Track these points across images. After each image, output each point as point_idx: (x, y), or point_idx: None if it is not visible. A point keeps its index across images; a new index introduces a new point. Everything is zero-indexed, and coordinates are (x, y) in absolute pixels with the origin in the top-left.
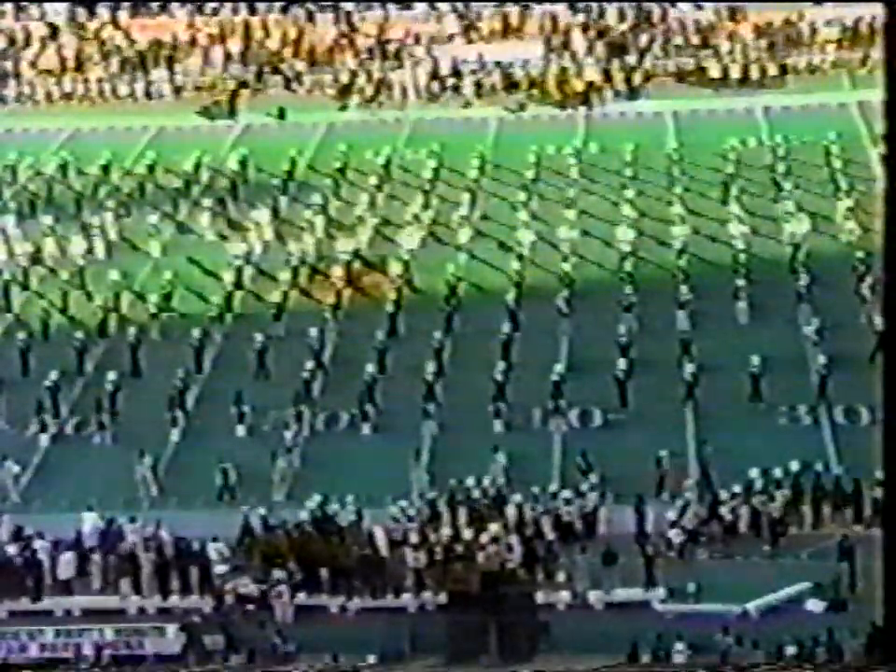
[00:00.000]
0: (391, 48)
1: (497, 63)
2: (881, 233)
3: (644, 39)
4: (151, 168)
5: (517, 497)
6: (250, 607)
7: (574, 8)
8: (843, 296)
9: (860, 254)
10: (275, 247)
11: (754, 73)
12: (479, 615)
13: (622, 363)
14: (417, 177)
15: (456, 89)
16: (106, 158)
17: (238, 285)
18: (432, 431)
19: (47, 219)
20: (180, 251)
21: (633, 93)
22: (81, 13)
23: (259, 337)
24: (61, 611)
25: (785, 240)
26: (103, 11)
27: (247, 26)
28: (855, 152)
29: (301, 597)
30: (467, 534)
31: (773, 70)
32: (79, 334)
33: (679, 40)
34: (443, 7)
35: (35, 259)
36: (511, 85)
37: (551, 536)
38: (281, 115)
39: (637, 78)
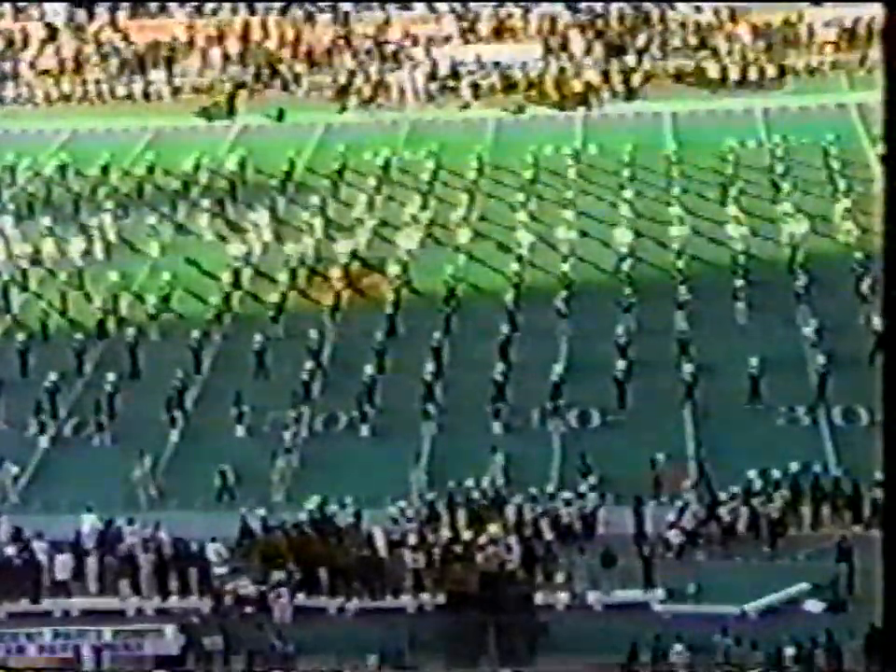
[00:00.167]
0: (389, 49)
1: (496, 65)
2: (880, 234)
3: (642, 40)
4: (150, 169)
5: (516, 498)
6: (249, 608)
7: (573, 9)
8: (841, 297)
9: (858, 254)
10: (274, 248)
11: (753, 74)
12: (478, 616)
13: (620, 364)
14: (416, 178)
15: (455, 90)
16: (105, 159)
17: (237, 285)
18: (431, 432)
19: (45, 220)
20: (179, 252)
21: (631, 94)
22: (80, 14)
23: (257, 338)
24: (59, 612)
25: (783, 241)
26: (101, 12)
27: (246, 27)
28: (853, 153)
29: (300, 598)
30: (466, 535)
31: (771, 71)
32: (78, 335)
33: (677, 41)
34: (442, 7)
35: (34, 260)
36: (509, 86)
37: (550, 537)
38: (280, 116)
39: (635, 79)
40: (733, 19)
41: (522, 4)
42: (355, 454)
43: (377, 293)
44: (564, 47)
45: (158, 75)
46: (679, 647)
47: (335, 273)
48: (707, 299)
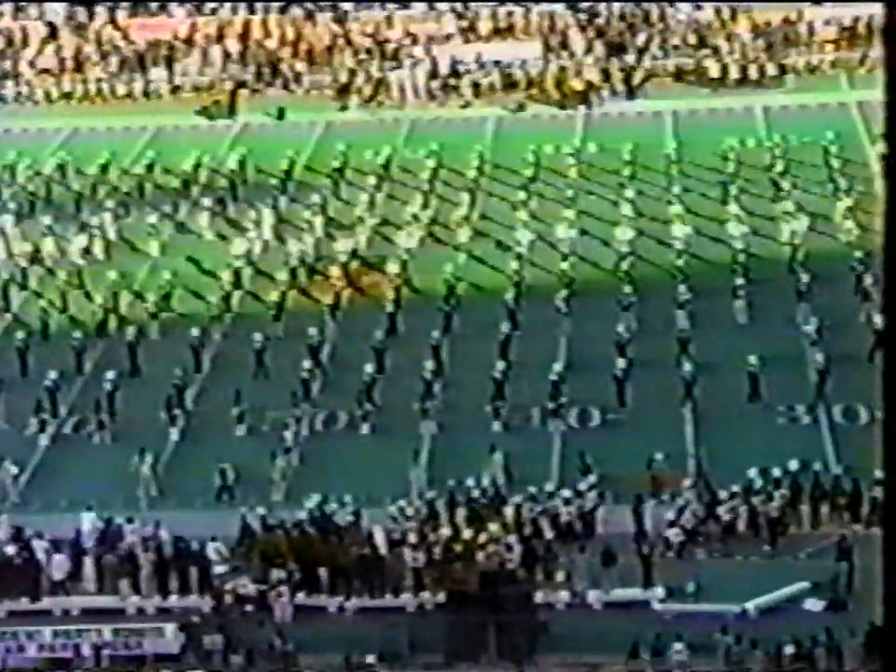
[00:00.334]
0: (390, 47)
1: (496, 63)
2: (881, 232)
3: (642, 39)
4: (150, 168)
5: (516, 497)
6: (249, 607)
7: (573, 8)
8: (842, 295)
9: (858, 253)
10: (274, 247)
11: (753, 72)
12: (478, 615)
13: (620, 363)
14: (416, 177)
15: (455, 88)
16: (105, 158)
17: (237, 284)
18: (431, 431)
19: (46, 219)
20: (179, 251)
21: (632, 93)
22: (80, 13)
23: (257, 337)
24: (59, 611)
25: (784, 239)
26: (101, 11)
27: (246, 26)
28: (853, 152)
29: (300, 597)
30: (466, 533)
31: (772, 70)
32: (78, 334)
33: (677, 40)
34: (442, 6)
35: (34, 258)
36: (509, 85)
37: (550, 535)
38: (280, 115)
39: (635, 78)
40: (733, 17)
41: (523, 3)
42: (354, 452)
43: (377, 292)
44: (564, 45)
45: (158, 73)
46: (678, 645)
47: (335, 271)
48: (707, 297)
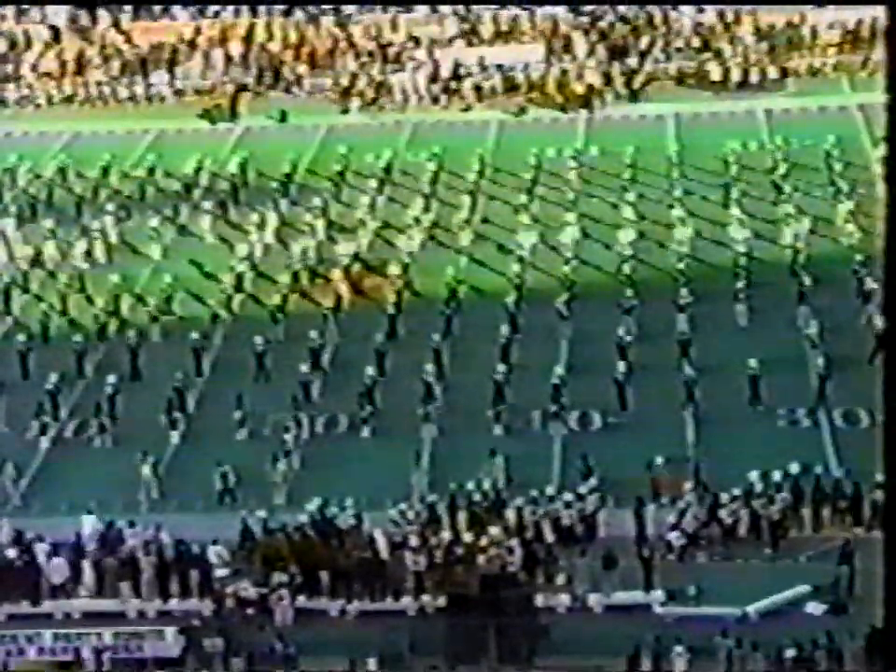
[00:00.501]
0: (392, 51)
1: (498, 67)
2: (882, 235)
3: (644, 42)
4: (152, 171)
5: (517, 501)
6: (250, 610)
7: (575, 11)
8: (842, 298)
9: (859, 257)
10: (276, 250)
11: (755, 76)
12: (479, 618)
13: (621, 366)
14: (418, 180)
15: (457, 92)
16: (107, 161)
17: (238, 288)
18: (432, 434)
19: (47, 223)
20: (180, 254)
21: (633, 96)
22: (82, 17)
23: (258, 340)
24: (60, 615)
25: (785, 242)
26: (104, 15)
27: (248, 29)
28: (855, 155)
29: (301, 600)
30: (467, 537)
31: (774, 73)
32: (79, 337)
33: (679, 43)
34: (444, 9)
35: (36, 262)
36: (511, 88)
37: (550, 539)
38: (282, 118)
39: (637, 81)
40: (736, 21)
41: (524, 6)
42: (355, 456)
43: (379, 295)
44: (566, 48)
45: (160, 77)
46: (679, 649)
47: (337, 274)
48: (708, 301)
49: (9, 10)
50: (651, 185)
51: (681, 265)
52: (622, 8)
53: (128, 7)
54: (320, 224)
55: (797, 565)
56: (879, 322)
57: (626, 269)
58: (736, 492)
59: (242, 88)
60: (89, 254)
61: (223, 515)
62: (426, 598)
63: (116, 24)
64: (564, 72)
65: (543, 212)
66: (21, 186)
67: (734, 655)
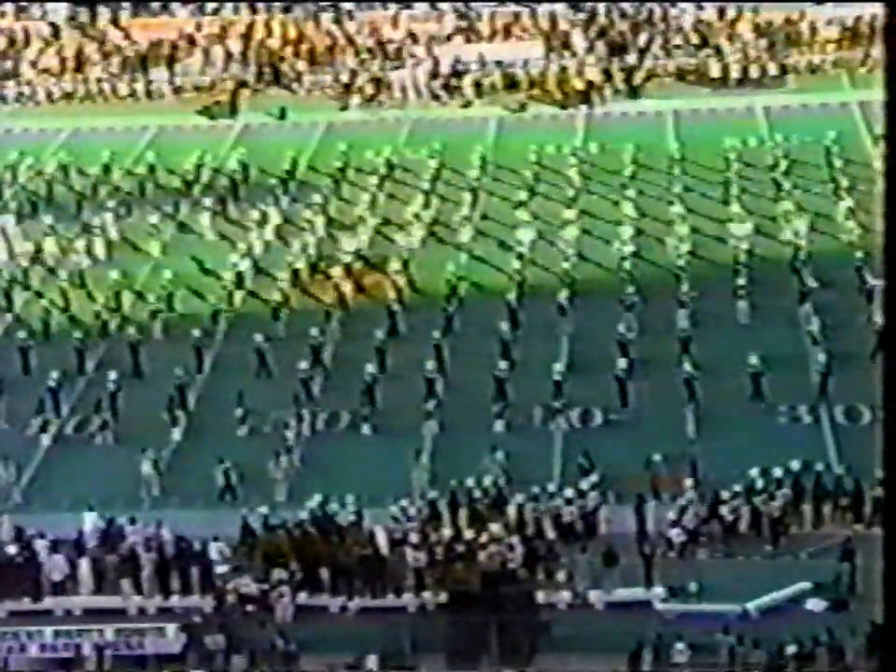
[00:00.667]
0: (391, 47)
1: (498, 63)
2: (882, 233)
3: (644, 38)
4: (151, 168)
5: (518, 497)
6: (251, 607)
7: (574, 8)
8: (843, 295)
9: (860, 253)
10: (276, 247)
11: (754, 72)
12: (479, 615)
13: (622, 362)
14: (418, 177)
15: (457, 88)
16: (107, 157)
17: (239, 284)
18: (432, 431)
19: (47, 219)
20: (181, 251)
21: (633, 93)
22: (82, 13)
23: (259, 337)
24: (61, 611)
25: (785, 239)
26: (103, 11)
27: (248, 26)
28: (855, 152)
29: (302, 597)
30: (467, 534)
31: (773, 69)
32: (80, 334)
33: (678, 39)
34: (444, 6)
35: (36, 258)
36: (511, 84)
37: (551, 535)
38: (282, 115)
39: (637, 78)
40: (738, 18)
41: (525, 3)
42: (356, 452)
43: (379, 291)
44: (566, 45)
45: (159, 73)
46: (680, 646)
47: (337, 271)
48: (708, 297)
49: (9, 7)
50: (650, 181)
51: (682, 262)
52: (621, 5)
53: (127, 4)
54: (320, 221)
55: (798, 561)
56: (880, 318)
57: (627, 265)
58: (737, 488)
59: (241, 84)
60: (89, 251)
61: (224, 512)
62: (426, 595)
63: (115, 21)
64: (563, 68)
65: (543, 208)
66: (22, 182)
67: (734, 652)
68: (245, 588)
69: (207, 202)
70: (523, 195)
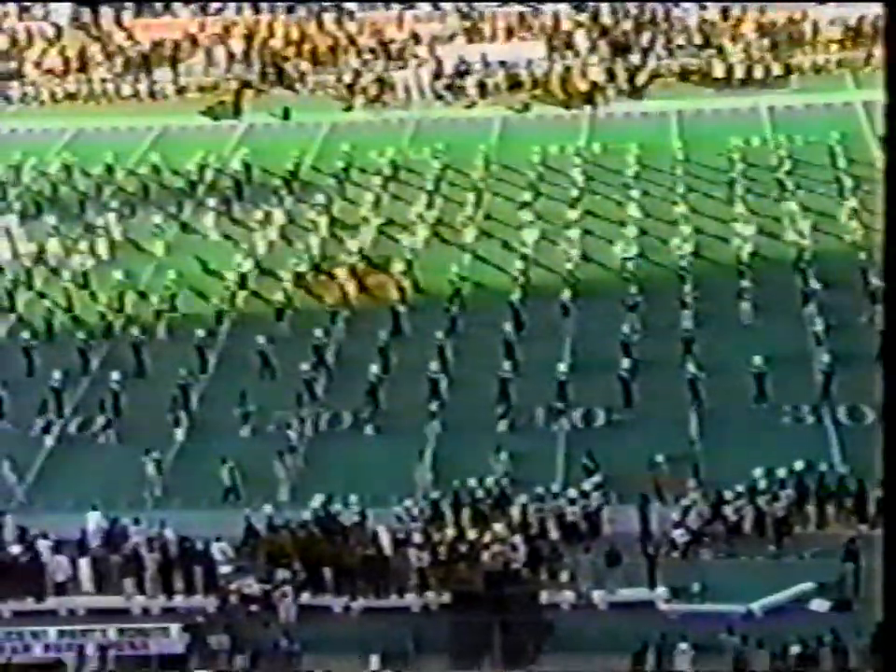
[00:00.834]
0: (394, 47)
1: (501, 63)
2: (882, 233)
3: (647, 38)
4: (155, 168)
5: (521, 497)
6: (254, 607)
7: (578, 8)
8: (847, 296)
9: (864, 254)
10: (280, 247)
11: (758, 72)
12: (483, 615)
13: (625, 363)
14: (421, 177)
15: (460, 89)
16: (110, 158)
17: (242, 285)
18: (436, 431)
19: (51, 219)
20: (184, 251)
21: (637, 93)
22: (85, 14)
23: (262, 337)
24: (65, 611)
25: (789, 239)
26: (106, 11)
27: (251, 26)
28: (859, 152)
29: (305, 597)
30: (471, 534)
31: (777, 69)
32: (83, 334)
33: (682, 39)
34: (447, 6)
35: (39, 259)
36: (514, 85)
37: (555, 536)
38: (286, 115)
39: (640, 78)
40: (741, 18)
41: (528, 3)
42: (359, 453)
43: (382, 292)
44: (569, 45)
45: (163, 74)
46: (684, 646)
47: (341, 271)
48: (712, 298)
49: (12, 7)
50: (654, 182)
51: (685, 262)
52: (624, 5)
53: (130, 4)
54: (324, 221)
55: (802, 562)
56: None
57: (630, 266)
58: (741, 489)
59: (245, 85)
60: (93, 251)
61: (227, 512)
62: (430, 595)
63: (118, 21)
64: (567, 69)
65: (547, 209)
66: (25, 183)
67: (738, 652)
68: (249, 588)
69: (211, 202)
70: (526, 195)
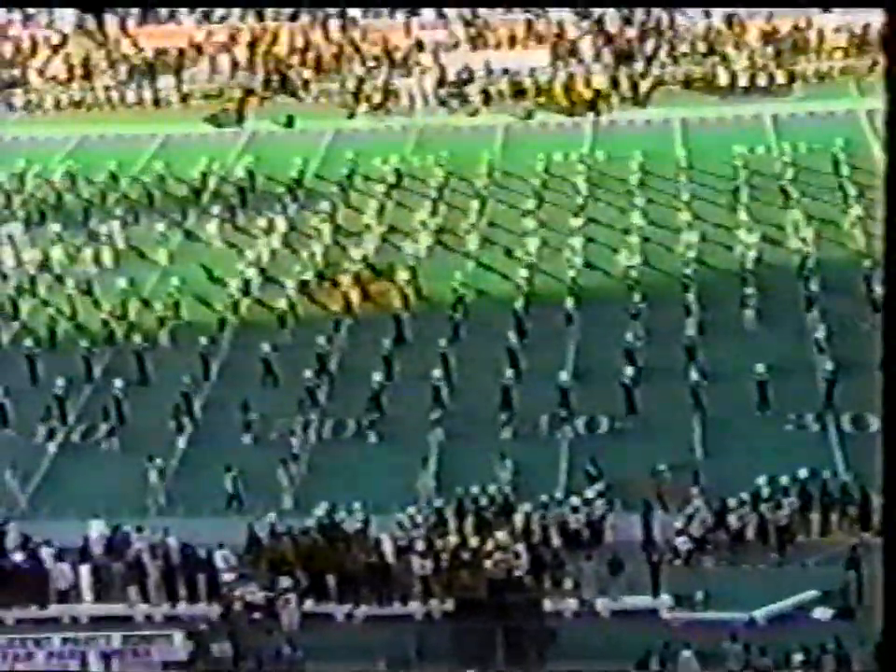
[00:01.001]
0: (398, 55)
1: (505, 71)
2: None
3: (650, 46)
4: (159, 176)
5: (524, 505)
6: (257, 614)
7: (582, 16)
8: (851, 303)
9: (868, 261)
10: (283, 255)
11: (762, 80)
12: (486, 622)
13: (629, 370)
14: (425, 185)
15: (464, 96)
16: (114, 165)
17: (246, 292)
18: (439, 438)
19: (55, 227)
20: (188, 259)
21: (640, 101)
22: (89, 22)
23: (265, 345)
24: (68, 619)
25: (793, 247)
26: (110, 19)
27: (255, 34)
28: (863, 159)
29: (308, 605)
30: (473, 541)
31: (781, 77)
32: (87, 342)
33: (685, 47)
34: (451, 13)
35: (43, 266)
36: (518, 92)
37: (557, 543)
38: (289, 122)
39: (644, 86)
40: (741, 25)
41: (531, 10)
42: (362, 460)
43: (386, 299)
44: (573, 53)
45: (167, 81)
46: (687, 653)
47: (344, 279)
48: (715, 305)
49: (16, 15)
50: (658, 189)
51: (689, 270)
52: (627, 11)
53: (134, 12)
54: (327, 228)
55: (805, 570)
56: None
57: (634, 273)
58: (744, 496)
59: (249, 92)
60: (96, 258)
61: (230, 519)
62: (433, 603)
63: (123, 29)
64: (570, 76)
65: (550, 217)
66: (29, 190)
67: (741, 660)
68: (252, 595)
69: (215, 210)
70: (530, 203)
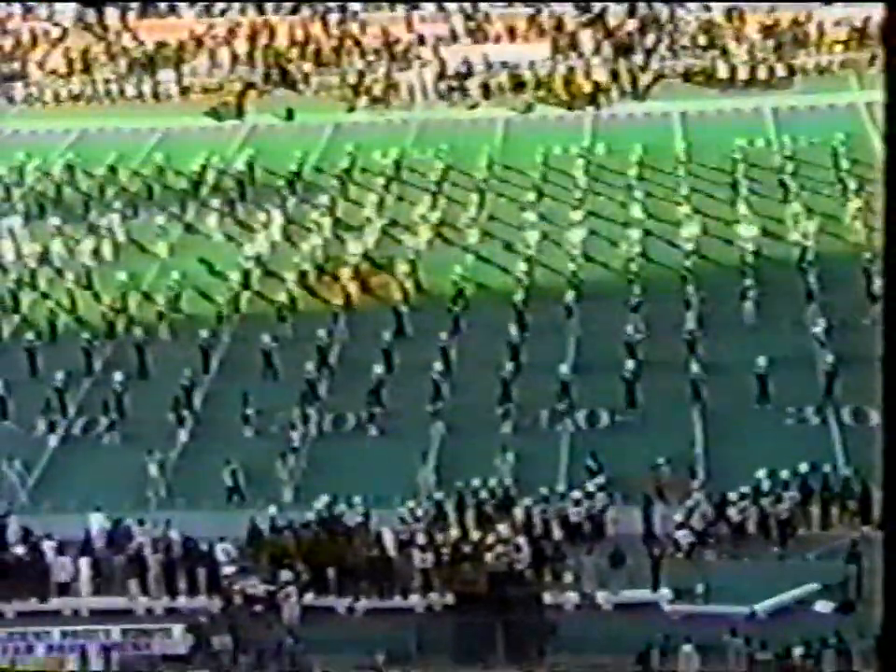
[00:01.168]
0: (398, 48)
1: (504, 64)
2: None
3: (650, 39)
4: (159, 169)
5: (525, 499)
6: (258, 607)
7: (581, 8)
8: (851, 296)
9: (868, 254)
10: (283, 248)
11: (762, 73)
12: (486, 616)
13: (629, 364)
14: (425, 178)
15: (464, 89)
16: (114, 159)
17: (246, 285)
18: (439, 432)
19: (54, 220)
20: (188, 252)
21: (640, 94)
22: (90, 14)
23: (266, 338)
24: (68, 612)
25: (793, 240)
26: (111, 12)
27: (254, 27)
28: (863, 153)
29: (309, 598)
30: (474, 535)
31: (781, 70)
32: (87, 335)
33: (685, 40)
34: (451, 7)
35: (43, 259)
36: (518, 85)
37: (558, 536)
38: (289, 116)
39: (644, 79)
40: (741, 18)
41: (531, 4)
42: (363, 453)
43: (386, 293)
44: (573, 46)
45: (167, 74)
46: (688, 647)
47: (344, 272)
48: (715, 299)
49: (16, 8)
50: (658, 183)
51: (689, 263)
52: (627, 6)
53: (134, 5)
54: (327, 222)
55: (806, 563)
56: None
57: (634, 267)
58: (745, 490)
59: (249, 86)
60: (96, 252)
61: (231, 513)
62: (433, 596)
63: (123, 22)
64: (570, 69)
65: (550, 210)
66: (29, 183)
67: (742, 653)
68: (252, 589)
69: (214, 203)
70: (530, 196)
